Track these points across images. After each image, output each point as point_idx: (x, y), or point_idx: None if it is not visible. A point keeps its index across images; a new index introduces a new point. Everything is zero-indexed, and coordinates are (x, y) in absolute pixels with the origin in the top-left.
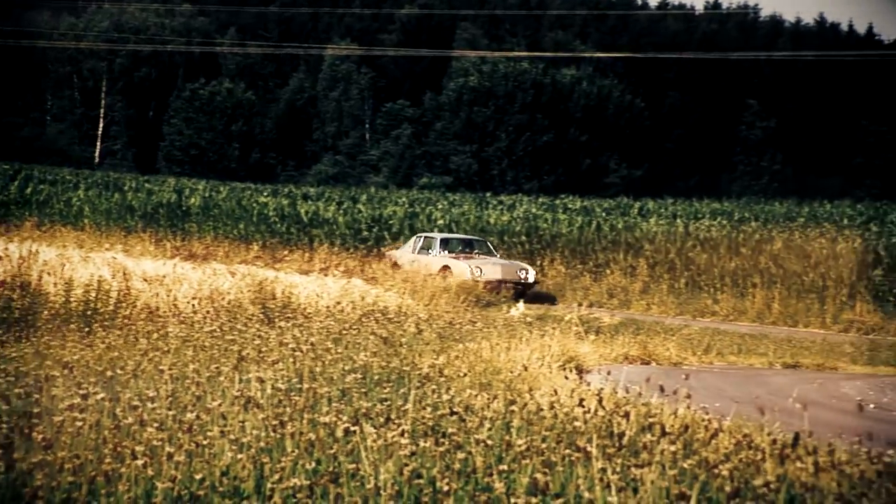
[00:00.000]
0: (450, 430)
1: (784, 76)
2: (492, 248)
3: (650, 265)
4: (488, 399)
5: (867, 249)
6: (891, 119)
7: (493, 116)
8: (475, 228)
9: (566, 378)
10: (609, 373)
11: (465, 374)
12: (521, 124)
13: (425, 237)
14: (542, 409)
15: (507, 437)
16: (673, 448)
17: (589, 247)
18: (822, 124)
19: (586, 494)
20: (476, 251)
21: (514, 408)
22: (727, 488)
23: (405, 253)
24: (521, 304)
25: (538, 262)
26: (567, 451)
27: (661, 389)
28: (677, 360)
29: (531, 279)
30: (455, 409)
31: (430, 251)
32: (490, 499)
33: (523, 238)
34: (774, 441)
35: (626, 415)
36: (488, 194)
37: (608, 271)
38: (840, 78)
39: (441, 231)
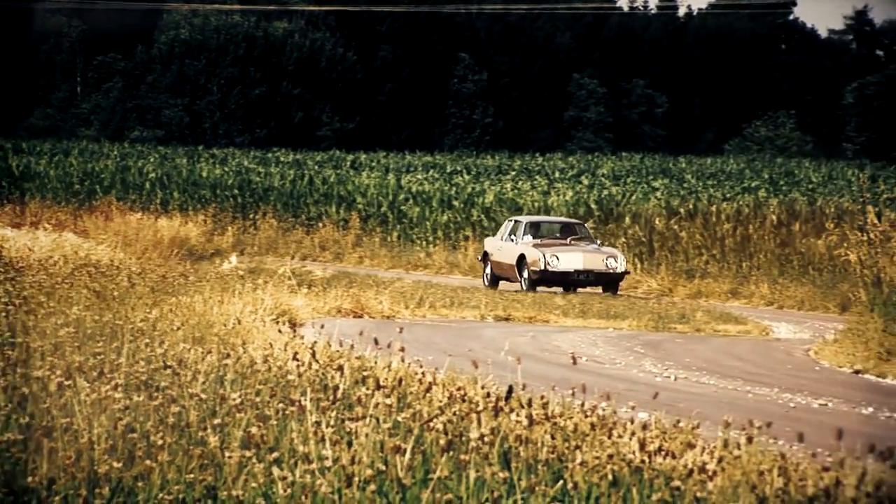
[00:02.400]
0: (163, 384)
1: (495, 29)
2: (590, 232)
3: (363, 218)
4: (202, 353)
5: (578, 202)
6: (601, 73)
7: (205, 69)
8: (187, 182)
9: (280, 332)
10: (322, 326)
11: (179, 328)
12: (233, 77)
13: (514, 221)
14: (255, 363)
15: (220, 391)
16: (387, 401)
17: (301, 200)
18: (533, 78)
19: (301, 448)
20: (573, 236)
21: (227, 361)
22: (441, 441)
23: (495, 240)
24: (233, 258)
25: (251, 216)
26: (281, 404)
27: (375, 342)
28: (390, 313)
29: (621, 268)
30: (169, 363)
31: (515, 237)
32: (204, 452)
33: (236, 192)
34: (488, 394)
35: (340, 368)
36: (200, 148)
37: (320, 224)
38: (551, 31)
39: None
